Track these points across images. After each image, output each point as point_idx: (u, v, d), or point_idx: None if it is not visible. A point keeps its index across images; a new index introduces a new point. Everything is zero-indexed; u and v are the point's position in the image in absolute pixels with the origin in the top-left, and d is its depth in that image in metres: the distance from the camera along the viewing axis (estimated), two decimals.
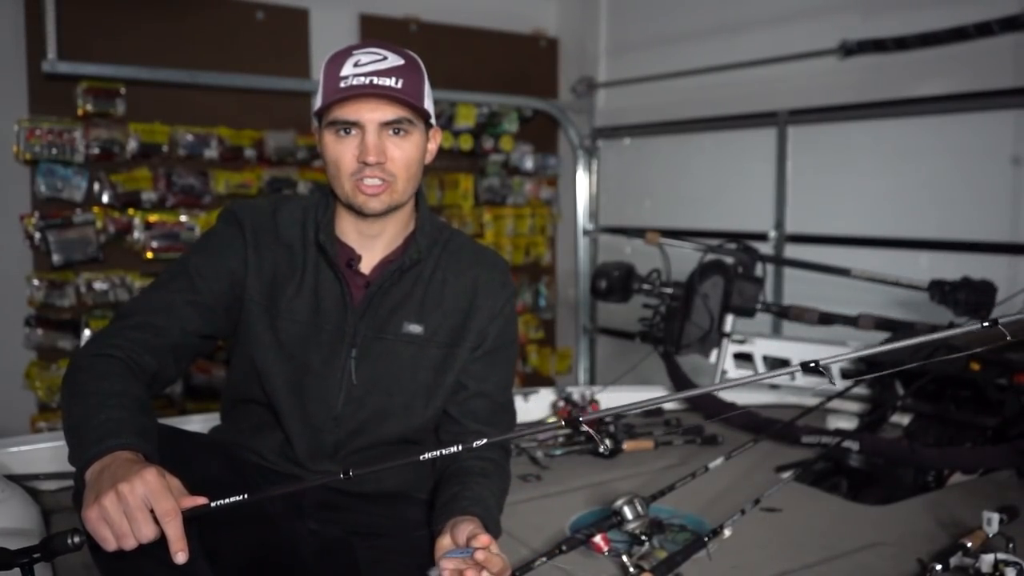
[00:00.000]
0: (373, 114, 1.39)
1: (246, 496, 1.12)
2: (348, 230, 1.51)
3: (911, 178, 3.07)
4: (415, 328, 1.50)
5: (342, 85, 1.38)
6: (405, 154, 1.42)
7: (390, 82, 1.38)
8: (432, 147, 1.51)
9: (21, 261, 3.29)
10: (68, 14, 3.12)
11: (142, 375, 1.35)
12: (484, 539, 1.22)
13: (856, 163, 3.25)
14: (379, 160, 1.39)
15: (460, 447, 1.18)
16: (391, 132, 1.41)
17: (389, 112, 1.40)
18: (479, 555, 1.20)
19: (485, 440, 1.18)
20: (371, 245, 1.51)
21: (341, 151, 1.41)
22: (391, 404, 1.49)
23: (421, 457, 1.17)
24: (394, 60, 1.41)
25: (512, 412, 1.63)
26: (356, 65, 1.39)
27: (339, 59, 1.42)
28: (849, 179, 3.27)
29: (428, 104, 1.46)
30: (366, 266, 1.51)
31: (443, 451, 1.18)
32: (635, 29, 4.21)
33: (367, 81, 1.38)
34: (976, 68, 2.85)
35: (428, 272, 1.53)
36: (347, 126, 1.40)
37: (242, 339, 1.51)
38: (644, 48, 4.14)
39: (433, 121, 1.51)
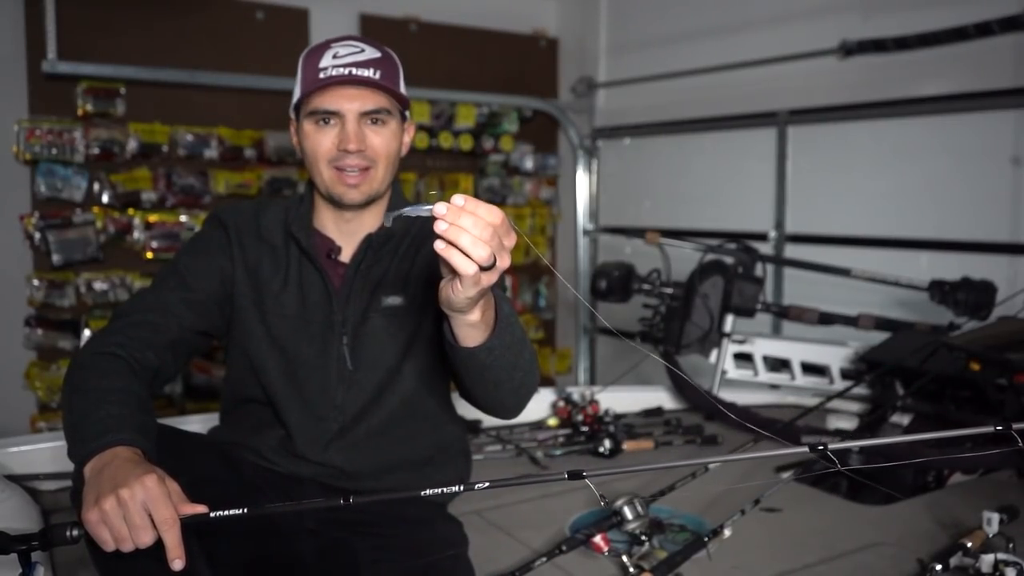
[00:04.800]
0: (352, 103, 1.43)
1: (246, 510, 1.12)
2: (327, 222, 1.54)
3: (911, 178, 3.07)
4: (395, 300, 1.51)
5: (321, 76, 1.42)
6: (385, 140, 1.46)
7: (368, 73, 1.42)
8: (406, 140, 1.55)
9: (21, 261, 3.29)
10: (68, 14, 3.11)
11: (144, 372, 1.36)
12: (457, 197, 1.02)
13: (856, 163, 3.25)
14: (359, 148, 1.43)
15: (462, 487, 1.10)
16: (370, 122, 1.45)
17: (369, 102, 1.44)
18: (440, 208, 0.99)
19: (488, 483, 1.10)
20: (351, 236, 1.54)
21: (320, 139, 1.45)
22: (387, 379, 1.51)
23: (422, 493, 1.10)
24: (372, 52, 1.46)
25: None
26: (335, 57, 1.43)
27: (317, 52, 1.46)
28: (849, 179, 3.27)
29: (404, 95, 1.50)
30: (346, 256, 1.53)
31: (444, 489, 1.09)
32: (635, 29, 4.21)
33: (346, 72, 1.41)
34: (976, 68, 2.85)
35: (404, 247, 1.55)
36: (327, 116, 1.44)
37: (236, 336, 1.53)
38: (644, 48, 4.14)
39: (408, 114, 1.54)
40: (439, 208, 0.99)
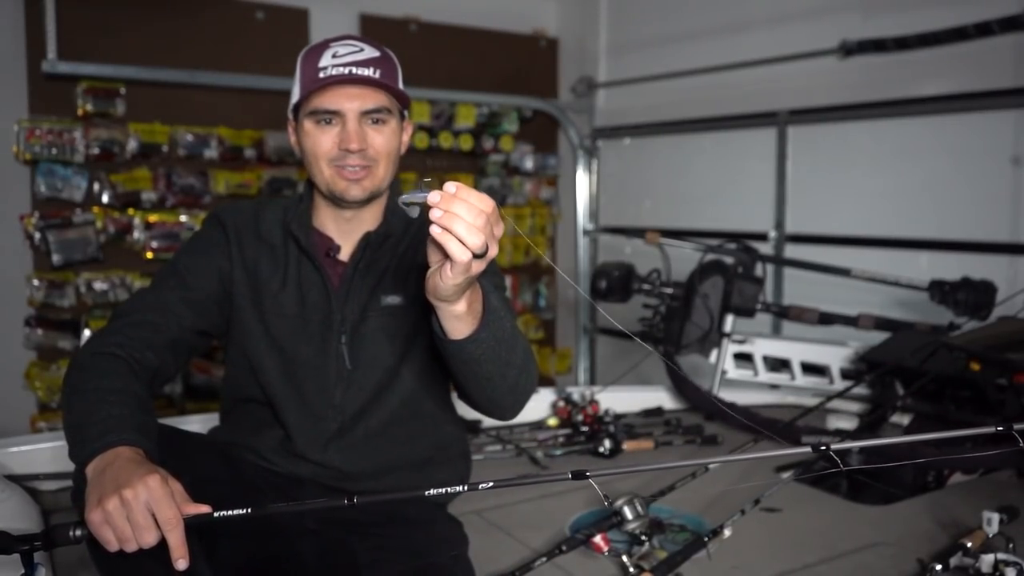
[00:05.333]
0: (353, 103, 1.44)
1: (249, 510, 1.11)
2: (327, 221, 1.55)
3: (911, 178, 3.07)
4: (394, 299, 1.52)
5: (321, 75, 1.43)
6: (385, 139, 1.47)
7: (368, 72, 1.43)
8: (405, 138, 1.56)
9: (21, 261, 3.29)
10: (68, 14, 3.11)
11: (143, 372, 1.36)
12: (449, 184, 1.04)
13: (856, 163, 3.25)
14: (361, 147, 1.44)
15: (466, 487, 1.10)
16: (370, 121, 1.45)
17: (369, 101, 1.44)
18: (434, 196, 1.01)
19: (492, 483, 1.10)
20: (350, 235, 1.54)
21: (321, 139, 1.46)
22: (386, 379, 1.51)
23: (426, 492, 1.10)
24: (371, 52, 1.46)
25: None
26: (335, 56, 1.44)
27: (316, 52, 1.46)
28: (849, 179, 3.27)
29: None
30: (346, 255, 1.53)
31: (448, 489, 1.09)
32: (635, 29, 4.21)
33: (346, 71, 1.42)
34: (976, 68, 2.85)
35: (403, 247, 1.55)
36: (327, 115, 1.45)
37: (235, 336, 1.53)
38: (644, 48, 4.14)
39: (407, 112, 1.55)
40: (433, 196, 1.01)
